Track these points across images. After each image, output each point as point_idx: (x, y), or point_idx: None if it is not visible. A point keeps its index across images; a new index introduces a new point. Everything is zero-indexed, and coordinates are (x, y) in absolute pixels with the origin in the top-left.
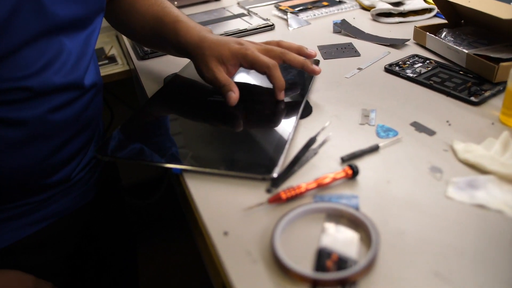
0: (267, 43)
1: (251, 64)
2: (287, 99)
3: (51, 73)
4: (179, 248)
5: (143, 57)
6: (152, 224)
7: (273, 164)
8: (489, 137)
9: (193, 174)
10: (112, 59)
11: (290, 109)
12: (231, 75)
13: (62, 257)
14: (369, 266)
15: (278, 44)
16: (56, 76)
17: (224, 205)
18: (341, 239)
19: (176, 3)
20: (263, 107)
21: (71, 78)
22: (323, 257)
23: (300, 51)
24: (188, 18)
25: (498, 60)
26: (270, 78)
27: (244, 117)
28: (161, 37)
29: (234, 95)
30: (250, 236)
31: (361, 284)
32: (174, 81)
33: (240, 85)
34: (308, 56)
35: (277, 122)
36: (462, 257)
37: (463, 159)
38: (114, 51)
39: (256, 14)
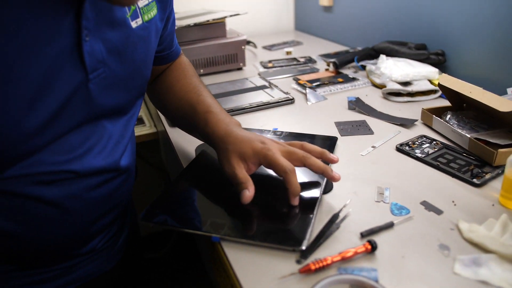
0: (291, 144)
1: (270, 165)
2: (311, 176)
3: (92, 156)
4: None
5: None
6: (167, 274)
7: (302, 237)
8: (490, 218)
9: (230, 242)
10: (140, 120)
11: (313, 186)
12: (251, 172)
13: None
14: None
15: (302, 146)
16: (96, 159)
17: (259, 273)
18: None
19: (202, 71)
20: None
21: (109, 161)
22: None
23: (323, 156)
24: (221, 109)
25: (497, 145)
26: (286, 183)
27: (274, 195)
28: (192, 123)
29: (248, 194)
30: None
31: None
32: (206, 153)
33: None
34: (330, 161)
35: (302, 199)
36: None
37: (467, 238)
38: (141, 112)
39: (277, 86)
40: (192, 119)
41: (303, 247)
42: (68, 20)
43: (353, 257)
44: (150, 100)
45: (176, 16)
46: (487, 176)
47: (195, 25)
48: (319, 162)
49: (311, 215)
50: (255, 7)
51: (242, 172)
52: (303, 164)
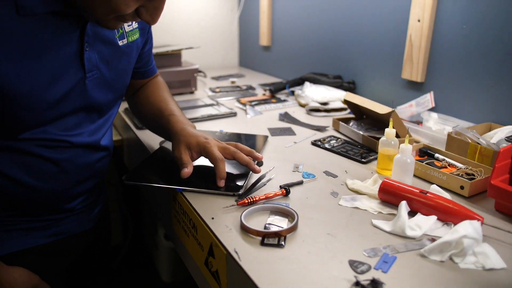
0: (228, 143)
1: (207, 155)
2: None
3: (81, 135)
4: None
5: (141, 127)
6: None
7: (240, 187)
8: (368, 179)
9: (188, 193)
10: None
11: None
12: (193, 159)
13: (59, 269)
14: (291, 229)
15: (236, 145)
16: (84, 137)
17: (212, 207)
18: (277, 220)
19: None
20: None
21: (93, 139)
22: (267, 227)
23: (250, 154)
24: (181, 114)
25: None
26: (215, 169)
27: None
28: (159, 124)
29: (187, 171)
30: (227, 219)
31: (287, 238)
32: (166, 145)
33: None
34: (256, 158)
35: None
36: (346, 231)
37: (351, 188)
38: None
39: (223, 104)
40: (160, 121)
41: (240, 192)
42: (76, 35)
43: (273, 197)
44: (130, 107)
45: None
46: (371, 157)
47: (157, 54)
48: (245, 157)
49: (247, 175)
50: (205, 45)
51: (186, 157)
52: (233, 157)
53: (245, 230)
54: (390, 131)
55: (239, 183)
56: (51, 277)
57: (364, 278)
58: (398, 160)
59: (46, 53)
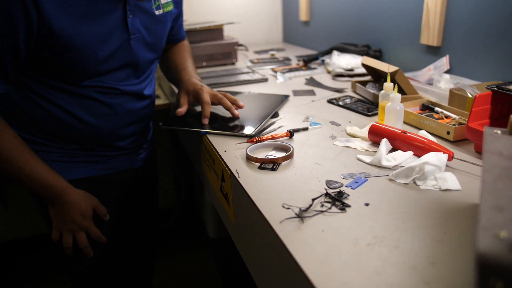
0: (220, 93)
1: (197, 98)
2: (265, 109)
3: (128, 84)
4: (192, 258)
5: None
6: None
7: (252, 129)
8: (367, 126)
9: (211, 135)
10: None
11: (266, 114)
12: (191, 103)
13: (112, 198)
14: (285, 158)
15: (224, 95)
16: (130, 86)
17: (227, 144)
18: (276, 154)
19: (204, 63)
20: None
21: (138, 88)
22: (268, 157)
23: (234, 102)
24: (192, 69)
25: None
26: (201, 109)
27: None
28: (174, 76)
29: (180, 110)
30: (237, 152)
31: (281, 165)
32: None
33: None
34: (238, 106)
35: (261, 116)
36: (332, 162)
37: (348, 133)
38: (157, 91)
39: (258, 72)
40: (174, 73)
41: (252, 133)
42: (121, 4)
43: (278, 138)
44: (159, 64)
45: (187, 22)
46: (376, 111)
47: (201, 29)
48: (228, 103)
49: (261, 121)
50: (250, 21)
51: (183, 100)
52: (219, 102)
53: (248, 158)
54: (388, 84)
55: (252, 126)
56: (105, 203)
57: (333, 192)
58: (389, 108)
59: (98, 17)
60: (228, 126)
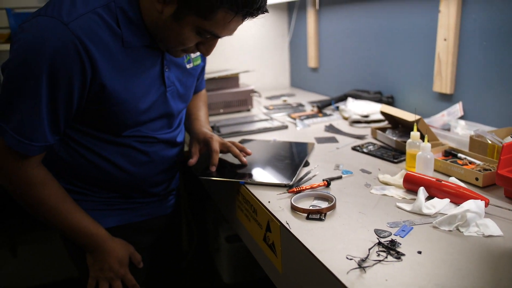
0: (229, 142)
1: (207, 147)
2: (295, 158)
3: (164, 133)
4: None
5: None
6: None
7: (290, 179)
8: (398, 174)
9: (250, 185)
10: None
11: (297, 163)
12: (202, 151)
13: (145, 244)
14: (330, 208)
15: (233, 143)
16: (166, 135)
17: (268, 195)
18: (319, 203)
19: (221, 110)
20: (287, 160)
21: (172, 136)
22: (312, 207)
23: (242, 149)
24: (204, 118)
25: None
26: (210, 157)
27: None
28: (187, 124)
29: (191, 161)
30: (281, 203)
31: (327, 215)
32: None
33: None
34: (246, 153)
35: (293, 164)
36: (374, 210)
37: (381, 181)
38: None
39: (276, 119)
40: (187, 122)
41: (290, 183)
42: (158, 61)
43: (316, 188)
44: None
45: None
46: (402, 158)
47: (219, 77)
48: (236, 151)
49: (295, 171)
50: (259, 67)
51: (194, 149)
52: (228, 150)
53: (294, 209)
54: (414, 133)
55: (290, 176)
56: (138, 250)
57: (385, 240)
58: (420, 156)
59: (141, 72)
60: (266, 176)
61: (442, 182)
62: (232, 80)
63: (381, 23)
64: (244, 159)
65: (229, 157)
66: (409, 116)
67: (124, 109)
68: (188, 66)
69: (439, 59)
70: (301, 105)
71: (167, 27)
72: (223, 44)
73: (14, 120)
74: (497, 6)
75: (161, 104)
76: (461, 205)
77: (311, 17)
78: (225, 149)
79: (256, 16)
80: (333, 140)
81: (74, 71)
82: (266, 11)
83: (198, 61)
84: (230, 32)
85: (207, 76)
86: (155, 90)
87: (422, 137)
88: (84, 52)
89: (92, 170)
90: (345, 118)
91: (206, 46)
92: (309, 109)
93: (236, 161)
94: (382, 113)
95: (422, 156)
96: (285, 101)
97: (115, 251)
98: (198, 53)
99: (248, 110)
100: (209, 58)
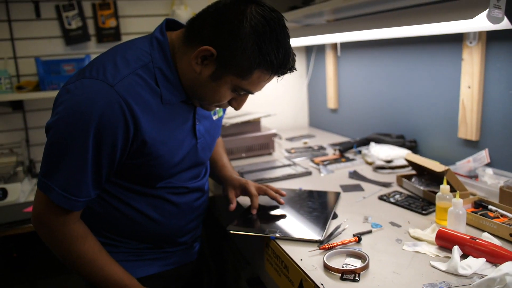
0: (264, 185)
1: (245, 192)
2: (323, 210)
3: (194, 182)
4: None
5: None
6: None
7: (321, 234)
8: (427, 228)
9: (281, 240)
10: None
11: (326, 215)
12: (237, 196)
13: None
14: (364, 268)
15: (267, 186)
16: (196, 183)
17: (299, 251)
18: (352, 261)
19: (243, 154)
20: (316, 212)
21: (201, 184)
22: (345, 266)
23: (278, 191)
24: (229, 165)
25: None
26: (251, 201)
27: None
28: (213, 171)
29: (232, 206)
30: (313, 260)
31: (361, 275)
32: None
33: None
34: (281, 194)
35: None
36: (408, 270)
37: (412, 236)
38: None
39: (299, 164)
40: (214, 169)
41: (321, 239)
42: (191, 115)
43: (347, 244)
44: None
45: (227, 116)
46: (431, 209)
47: (242, 122)
48: (273, 193)
49: (325, 225)
50: (278, 108)
51: (231, 195)
52: (265, 193)
53: (327, 268)
54: (444, 187)
55: (320, 231)
56: None
57: None
58: (451, 212)
59: (176, 127)
60: (295, 230)
61: (477, 240)
62: (254, 124)
63: (401, 68)
64: (282, 200)
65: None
66: (435, 166)
67: (161, 162)
68: (214, 117)
69: (464, 106)
70: (322, 147)
71: (205, 86)
72: None
73: (60, 178)
74: None
75: (193, 156)
76: (500, 267)
77: (330, 59)
78: (261, 192)
79: (286, 74)
80: (358, 188)
81: (119, 129)
82: (295, 69)
83: (221, 113)
84: (261, 88)
85: (230, 121)
86: (188, 143)
87: (451, 187)
88: (128, 111)
89: (124, 222)
90: (368, 163)
91: (237, 101)
92: (330, 153)
93: (263, 214)
94: (407, 160)
95: (454, 211)
96: (306, 143)
97: None
98: None
99: (270, 153)
100: None
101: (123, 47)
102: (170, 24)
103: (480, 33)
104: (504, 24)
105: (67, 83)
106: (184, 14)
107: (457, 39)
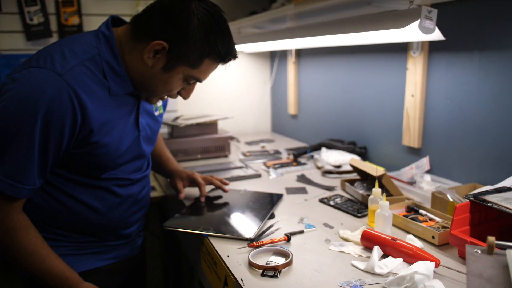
0: (208, 175)
1: (194, 182)
2: (261, 210)
3: (137, 174)
4: None
5: None
6: None
7: (252, 232)
8: (358, 230)
9: (213, 238)
10: (153, 188)
11: (263, 215)
12: (185, 186)
13: (116, 285)
14: (285, 265)
15: (212, 177)
16: (138, 175)
17: (229, 248)
18: (277, 259)
19: (199, 156)
20: (254, 212)
21: (143, 176)
22: (268, 263)
23: (221, 181)
24: (173, 158)
25: None
26: (199, 190)
27: (240, 212)
28: (157, 164)
29: (182, 195)
30: (239, 257)
31: (282, 272)
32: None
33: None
34: (224, 183)
35: (258, 217)
36: (329, 268)
37: (341, 236)
38: (153, 182)
39: (250, 167)
40: (158, 160)
41: (252, 237)
42: (135, 108)
43: (277, 242)
44: None
45: (183, 117)
46: (366, 212)
47: (197, 124)
48: (218, 182)
49: (258, 223)
50: (241, 112)
51: (180, 186)
52: (210, 182)
53: (251, 265)
54: (376, 190)
55: (252, 230)
56: None
57: None
58: (378, 214)
59: (121, 118)
60: (229, 228)
61: (397, 241)
62: (211, 126)
63: (355, 76)
64: (226, 187)
65: (196, 207)
66: (373, 170)
67: (106, 151)
68: (156, 113)
69: (408, 114)
70: (278, 152)
71: (157, 77)
72: (205, 89)
73: (5, 165)
74: (459, 66)
75: (136, 147)
76: (411, 266)
77: (291, 65)
78: (207, 182)
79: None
80: (303, 191)
81: (67, 118)
82: (237, 57)
83: (161, 110)
84: (208, 76)
85: (186, 122)
86: (131, 134)
87: (387, 192)
88: (76, 100)
89: (67, 215)
90: (319, 168)
91: (186, 90)
92: (285, 157)
93: (203, 212)
94: (352, 165)
95: (381, 214)
96: (263, 147)
97: None
98: (161, 103)
99: (226, 156)
100: (192, 102)
101: (68, 40)
102: (115, 20)
103: (423, 43)
104: (437, 35)
105: (12, 73)
106: None
107: (403, 49)
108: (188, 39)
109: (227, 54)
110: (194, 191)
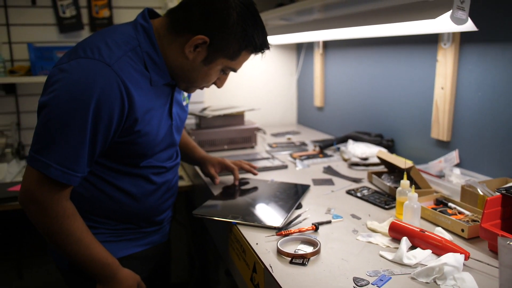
0: (237, 161)
1: (225, 167)
2: (288, 200)
3: (170, 162)
4: None
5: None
6: None
7: (280, 221)
8: (386, 221)
9: (242, 226)
10: (180, 178)
11: (290, 205)
12: (217, 172)
13: (146, 272)
14: (313, 253)
15: (241, 162)
16: (171, 163)
17: (257, 236)
18: (305, 247)
19: (226, 146)
20: (281, 202)
21: (175, 164)
22: (296, 251)
23: (250, 165)
24: (199, 147)
25: None
26: (232, 174)
27: (268, 202)
28: (185, 154)
29: (217, 180)
30: (268, 245)
31: (310, 260)
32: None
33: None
34: (253, 167)
35: (286, 206)
36: (357, 258)
37: (369, 227)
38: (181, 172)
39: (277, 158)
40: (185, 150)
41: (280, 226)
42: (169, 98)
43: (305, 231)
44: None
45: (211, 108)
46: (393, 204)
47: (224, 115)
48: (247, 167)
49: (287, 213)
50: (268, 105)
51: (213, 172)
52: (240, 167)
53: (280, 252)
54: (404, 182)
55: (280, 219)
56: (142, 279)
57: None
58: (407, 205)
59: (159, 107)
60: (257, 217)
61: (426, 233)
62: (237, 117)
63: (382, 68)
64: (256, 171)
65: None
66: (401, 163)
67: (146, 140)
68: (184, 103)
69: (437, 107)
70: (304, 144)
71: (197, 70)
72: (234, 80)
73: (58, 153)
74: (491, 58)
75: (169, 136)
76: (440, 257)
77: (317, 57)
78: (237, 166)
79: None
80: (329, 182)
81: (116, 107)
82: (270, 47)
83: (187, 100)
84: (242, 66)
85: (213, 113)
86: (165, 123)
87: (416, 185)
88: (124, 90)
89: (107, 203)
90: (345, 160)
91: (221, 80)
92: (311, 149)
93: (231, 201)
94: (379, 158)
95: (409, 205)
96: (289, 139)
97: (126, 280)
98: (187, 94)
99: (252, 147)
100: (216, 95)
101: (109, 31)
102: (149, 13)
103: (454, 35)
104: (469, 26)
105: (59, 64)
106: None
107: (433, 41)
108: (228, 33)
109: (263, 46)
110: (222, 180)
